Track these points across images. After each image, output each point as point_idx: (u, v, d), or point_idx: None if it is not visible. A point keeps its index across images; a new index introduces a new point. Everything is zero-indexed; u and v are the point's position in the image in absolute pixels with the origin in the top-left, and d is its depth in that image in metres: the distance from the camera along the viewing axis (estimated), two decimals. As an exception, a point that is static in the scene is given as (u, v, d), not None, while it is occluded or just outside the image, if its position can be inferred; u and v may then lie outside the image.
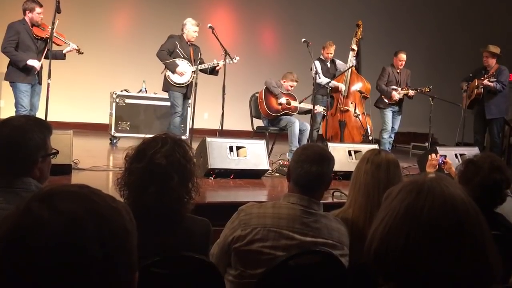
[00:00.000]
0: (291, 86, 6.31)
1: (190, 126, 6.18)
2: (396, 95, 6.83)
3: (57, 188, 0.77)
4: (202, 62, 6.04)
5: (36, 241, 0.69)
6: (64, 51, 5.71)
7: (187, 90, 6.01)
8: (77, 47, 5.72)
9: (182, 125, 6.83)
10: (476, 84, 6.67)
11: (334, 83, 6.57)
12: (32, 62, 5.38)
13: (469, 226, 0.99)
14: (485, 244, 0.99)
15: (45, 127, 1.83)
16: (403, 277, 0.99)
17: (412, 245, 0.97)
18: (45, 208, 0.72)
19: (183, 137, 2.28)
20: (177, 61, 5.93)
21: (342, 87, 6.80)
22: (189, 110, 6.27)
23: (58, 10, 5.12)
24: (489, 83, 6.54)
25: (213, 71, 6.12)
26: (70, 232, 0.70)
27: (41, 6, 5.49)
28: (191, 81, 5.93)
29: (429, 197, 1.00)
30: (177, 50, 5.96)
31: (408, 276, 0.98)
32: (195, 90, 5.77)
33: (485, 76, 6.58)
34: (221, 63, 5.93)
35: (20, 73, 5.42)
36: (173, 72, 5.90)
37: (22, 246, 0.69)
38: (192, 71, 5.93)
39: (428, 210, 0.98)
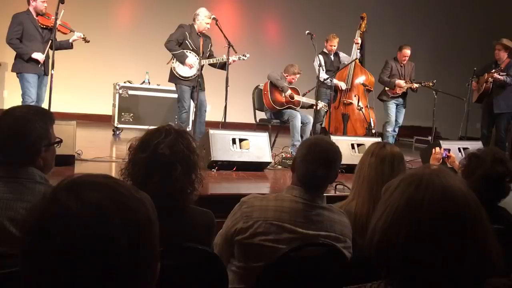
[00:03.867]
0: (293, 79, 6.26)
1: (193, 119, 6.16)
2: (402, 83, 6.80)
3: (83, 178, 0.77)
4: (211, 54, 5.92)
5: (65, 231, 0.70)
6: (70, 40, 5.68)
7: (196, 83, 5.70)
8: (83, 35, 5.68)
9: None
10: (486, 77, 6.64)
11: (335, 81, 6.56)
12: (36, 55, 5.36)
13: (470, 217, 0.98)
14: (485, 236, 0.99)
15: (47, 117, 1.83)
16: (405, 270, 0.99)
17: (414, 237, 0.97)
18: (73, 198, 0.72)
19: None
20: (186, 52, 5.75)
21: (342, 85, 6.78)
22: (191, 104, 6.21)
23: (61, 0, 5.10)
24: (499, 77, 6.50)
25: (223, 66, 5.74)
26: (98, 222, 0.71)
27: None
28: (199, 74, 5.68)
29: (429, 189, 0.99)
30: (187, 41, 5.76)
31: (410, 268, 0.98)
32: (199, 82, 5.74)
33: (495, 69, 6.55)
34: (231, 58, 5.63)
35: (27, 63, 5.40)
36: (183, 63, 5.70)
37: (50, 236, 0.70)
38: (200, 65, 5.65)
39: (428, 202, 0.98)
